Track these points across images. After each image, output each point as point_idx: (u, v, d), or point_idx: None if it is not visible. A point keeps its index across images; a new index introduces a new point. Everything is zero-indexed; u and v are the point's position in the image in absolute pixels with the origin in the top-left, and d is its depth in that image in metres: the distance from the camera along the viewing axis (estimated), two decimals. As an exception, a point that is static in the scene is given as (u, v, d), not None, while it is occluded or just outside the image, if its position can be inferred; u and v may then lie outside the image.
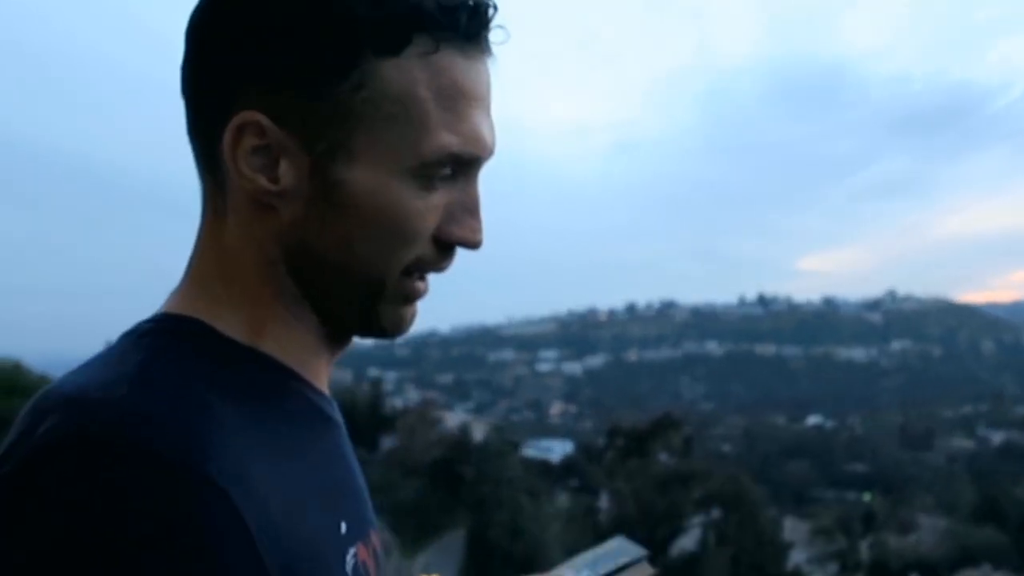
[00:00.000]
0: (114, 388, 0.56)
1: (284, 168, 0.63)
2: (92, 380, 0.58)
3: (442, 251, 0.67)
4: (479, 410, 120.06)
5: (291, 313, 0.68)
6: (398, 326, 0.70)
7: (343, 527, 0.64)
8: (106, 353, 0.62)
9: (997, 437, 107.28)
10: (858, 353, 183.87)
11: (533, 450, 77.76)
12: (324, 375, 0.73)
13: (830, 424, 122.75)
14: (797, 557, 54.42)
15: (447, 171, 0.65)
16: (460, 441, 53.43)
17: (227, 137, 0.62)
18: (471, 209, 0.67)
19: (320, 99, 0.62)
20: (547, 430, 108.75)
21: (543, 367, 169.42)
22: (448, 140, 0.63)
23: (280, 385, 0.67)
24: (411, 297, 0.69)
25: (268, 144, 0.63)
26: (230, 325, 0.65)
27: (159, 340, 0.62)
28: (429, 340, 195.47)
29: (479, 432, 59.01)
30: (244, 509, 0.54)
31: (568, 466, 64.98)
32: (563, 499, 54.66)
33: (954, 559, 54.07)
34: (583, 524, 47.77)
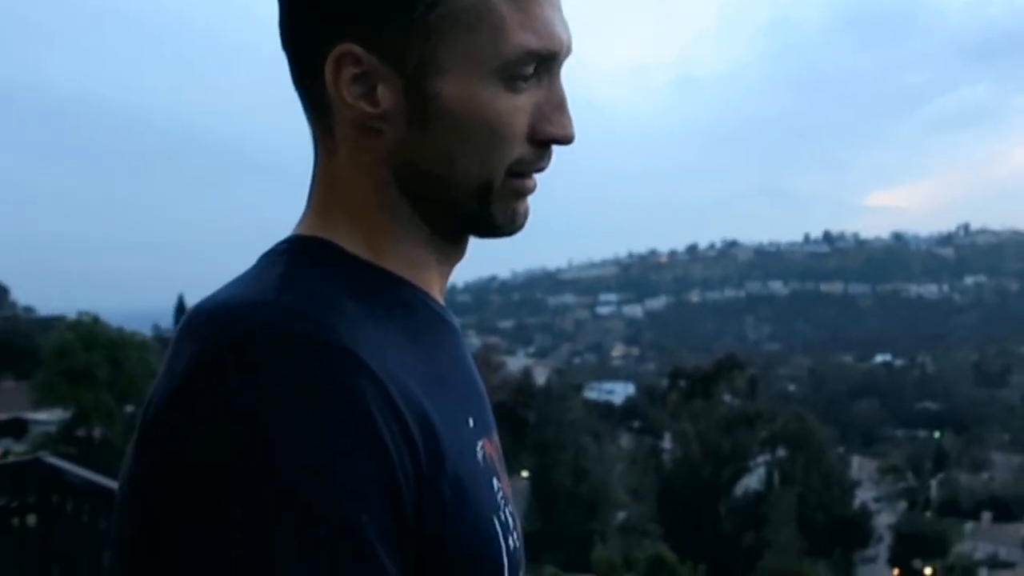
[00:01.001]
0: (263, 294, 0.63)
1: (381, 91, 0.68)
2: (239, 291, 0.64)
3: (539, 149, 0.70)
4: (541, 354, 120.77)
5: (405, 230, 0.72)
6: (513, 221, 0.73)
7: (470, 421, 0.68)
8: (246, 272, 0.69)
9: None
10: (929, 290, 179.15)
11: (595, 393, 78.10)
12: (439, 286, 0.78)
13: (899, 363, 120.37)
14: (864, 496, 53.94)
15: (529, 70, 0.68)
16: (522, 385, 53.92)
17: (328, 71, 0.67)
18: (559, 105, 0.70)
19: (402, 22, 0.66)
20: (609, 373, 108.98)
21: (604, 310, 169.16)
22: (525, 39, 0.67)
23: (403, 293, 0.72)
24: (521, 194, 0.72)
25: (365, 71, 0.67)
26: (352, 245, 0.71)
27: (294, 256, 0.69)
28: (490, 286, 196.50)
29: (541, 376, 59.46)
30: (390, 385, 0.59)
31: (630, 408, 65.20)
32: (626, 441, 54.92)
33: (1029, 497, 53.12)
34: (646, 465, 47.98)
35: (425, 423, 0.61)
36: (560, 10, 0.70)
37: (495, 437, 0.74)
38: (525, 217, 0.74)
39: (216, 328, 0.60)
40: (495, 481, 0.68)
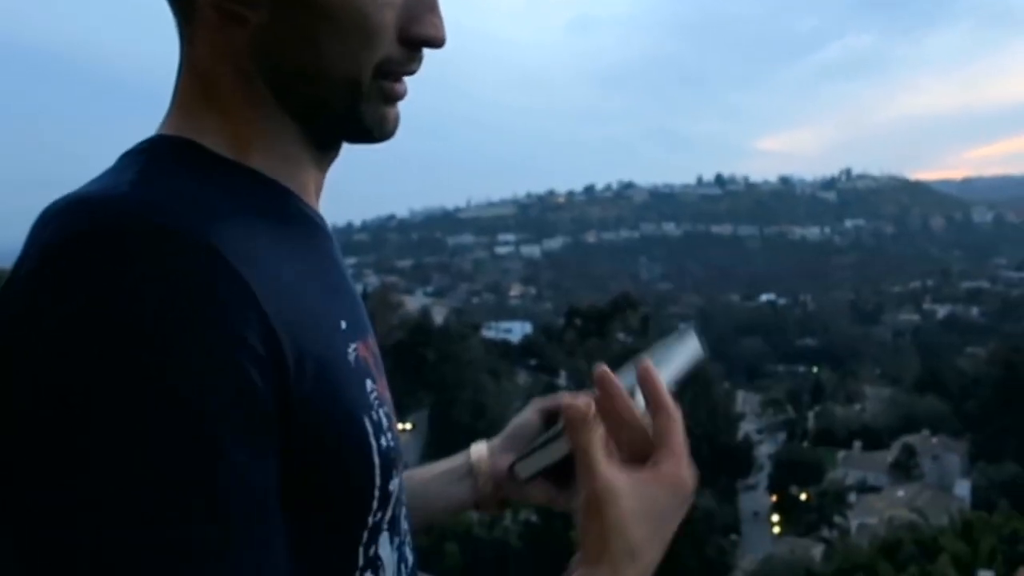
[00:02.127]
0: (117, 188, 0.60)
1: None
2: (94, 186, 0.62)
3: (409, 51, 0.68)
4: (439, 294, 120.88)
5: (273, 126, 0.69)
6: (382, 126, 0.71)
7: (343, 324, 0.67)
8: (106, 171, 0.65)
9: (942, 311, 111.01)
10: (813, 232, 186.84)
11: (493, 332, 79.01)
12: (313, 190, 0.74)
13: (783, 301, 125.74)
14: (748, 427, 56.81)
15: None
16: (421, 324, 54.08)
17: None
18: (430, 5, 0.68)
19: None
20: (507, 312, 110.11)
21: (502, 250, 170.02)
22: None
23: (271, 193, 0.69)
24: (391, 97, 0.70)
25: None
26: (216, 143, 0.67)
27: (154, 155, 0.66)
28: (388, 224, 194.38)
29: (440, 315, 59.77)
30: (251, 280, 0.57)
31: (528, 346, 66.29)
32: (523, 378, 56.00)
33: (896, 426, 56.85)
34: (543, 401, 49.13)
35: (290, 322, 0.59)
36: None
37: (370, 340, 0.72)
38: (395, 124, 0.72)
39: (64, 222, 0.57)
40: (368, 382, 0.67)
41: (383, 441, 0.65)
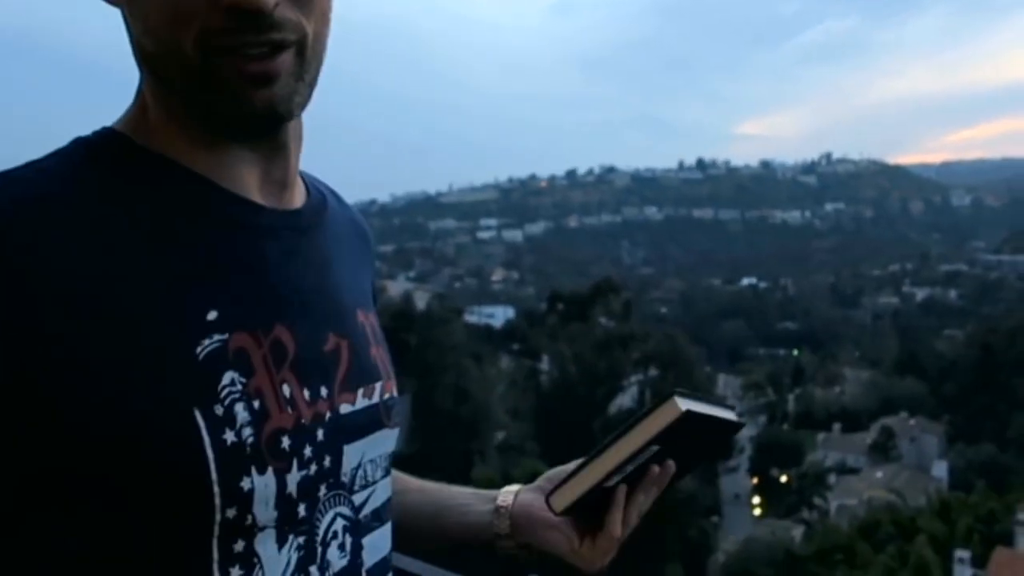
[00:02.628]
0: None
1: None
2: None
3: (230, 17, 0.64)
4: (421, 279, 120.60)
5: (179, 118, 0.69)
6: (241, 108, 0.66)
7: (211, 315, 0.65)
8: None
9: (921, 294, 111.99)
10: (793, 216, 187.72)
11: (476, 316, 78.99)
12: (250, 179, 0.72)
13: (764, 285, 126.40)
14: (729, 411, 57.05)
15: None
16: (403, 309, 53.90)
17: None
18: None
19: None
20: (489, 297, 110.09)
21: (485, 235, 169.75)
22: None
23: (172, 188, 0.68)
24: (244, 75, 0.65)
25: None
26: (148, 136, 0.69)
27: (71, 145, 0.68)
28: (369, 209, 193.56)
29: (422, 300, 59.57)
30: (24, 259, 0.58)
31: (510, 331, 66.29)
32: (506, 363, 56.05)
33: (875, 409, 57.41)
34: (525, 386, 49.21)
35: (83, 305, 0.59)
36: None
37: (286, 332, 0.70)
38: (268, 107, 0.67)
39: None
40: (229, 375, 0.64)
41: (228, 436, 0.63)
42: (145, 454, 0.60)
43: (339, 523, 0.73)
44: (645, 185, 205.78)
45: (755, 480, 47.97)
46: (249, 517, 0.64)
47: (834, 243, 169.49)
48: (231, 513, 0.63)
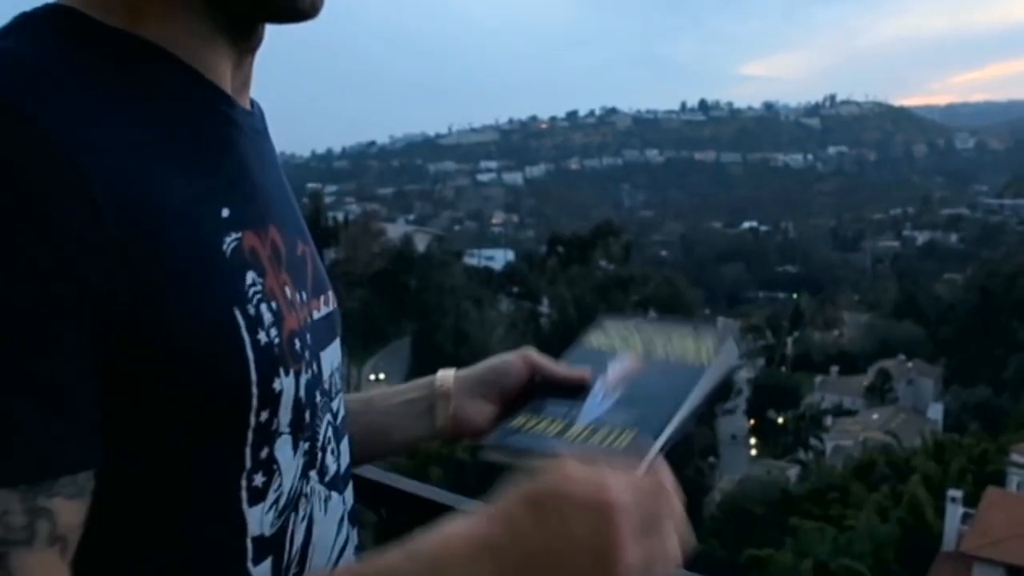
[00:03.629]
0: None
1: None
2: None
3: None
4: (421, 221, 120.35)
5: (165, 2, 0.65)
6: (299, 6, 0.65)
7: (224, 212, 0.63)
8: None
9: (921, 238, 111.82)
10: (795, 159, 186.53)
11: (476, 259, 78.97)
12: (226, 74, 0.69)
13: (764, 228, 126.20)
14: (727, 353, 57.37)
15: None
16: (403, 252, 53.93)
17: None
18: None
19: None
20: (489, 240, 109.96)
21: (484, 177, 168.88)
22: None
23: (156, 68, 0.65)
24: None
25: None
26: (110, 14, 0.63)
27: (31, 21, 0.62)
28: (368, 151, 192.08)
29: (422, 243, 59.53)
30: (77, 158, 0.54)
31: (510, 274, 66.35)
32: (506, 305, 56.27)
33: (873, 352, 57.80)
34: (525, 328, 49.44)
35: (126, 204, 0.55)
36: None
37: (276, 233, 0.69)
38: (314, 3, 0.66)
39: None
40: (251, 275, 0.63)
41: (261, 336, 0.62)
42: (191, 353, 0.58)
43: (330, 429, 0.73)
44: (647, 127, 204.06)
45: (752, 422, 48.51)
46: (275, 421, 0.64)
47: (836, 186, 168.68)
48: (264, 416, 0.62)
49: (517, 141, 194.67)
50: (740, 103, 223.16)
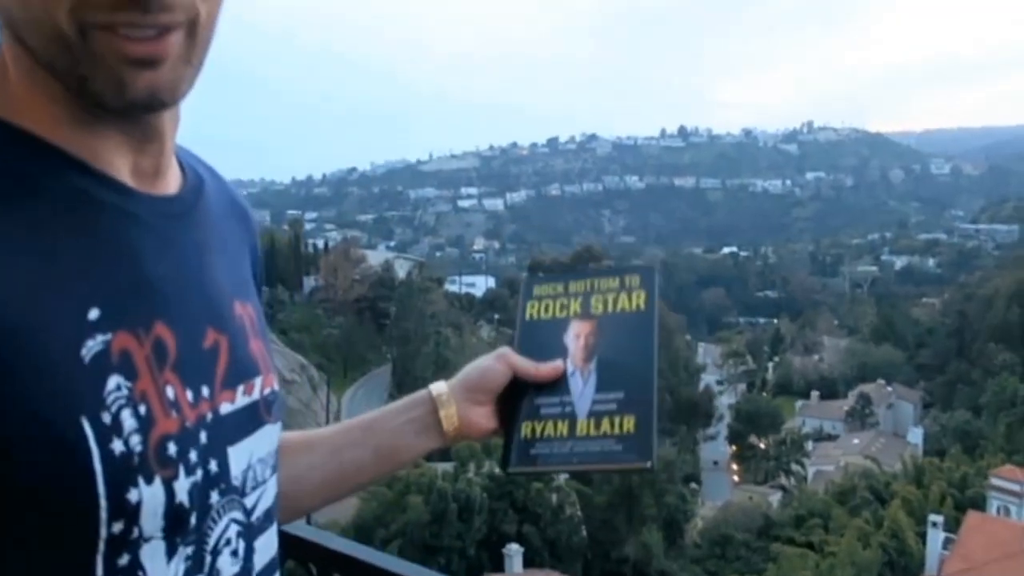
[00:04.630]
0: None
1: None
2: None
3: None
4: (402, 248, 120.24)
5: (45, 89, 0.62)
6: (118, 92, 0.60)
7: (93, 313, 0.59)
8: None
9: (899, 262, 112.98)
10: (774, 184, 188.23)
11: (456, 286, 78.93)
12: (120, 161, 0.66)
13: (744, 254, 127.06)
14: (709, 378, 57.57)
15: None
16: (383, 278, 53.75)
17: None
18: None
19: None
20: (470, 266, 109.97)
21: (465, 203, 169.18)
22: None
23: (32, 165, 0.61)
24: (120, 54, 0.58)
25: None
26: (4, 104, 0.62)
27: None
28: (349, 178, 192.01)
29: (402, 270, 59.37)
30: None
31: (491, 300, 66.33)
32: (487, 332, 56.12)
33: (853, 376, 58.01)
34: (506, 355, 49.29)
35: None
36: None
37: (167, 330, 0.65)
38: (149, 91, 0.60)
39: None
40: (114, 379, 0.59)
41: (116, 445, 0.58)
42: (30, 465, 0.55)
43: (232, 529, 0.70)
44: (627, 153, 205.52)
45: (734, 448, 48.43)
46: (136, 530, 0.60)
47: (814, 211, 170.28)
48: (117, 527, 0.58)
49: (498, 167, 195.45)
50: (719, 129, 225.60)
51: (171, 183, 0.71)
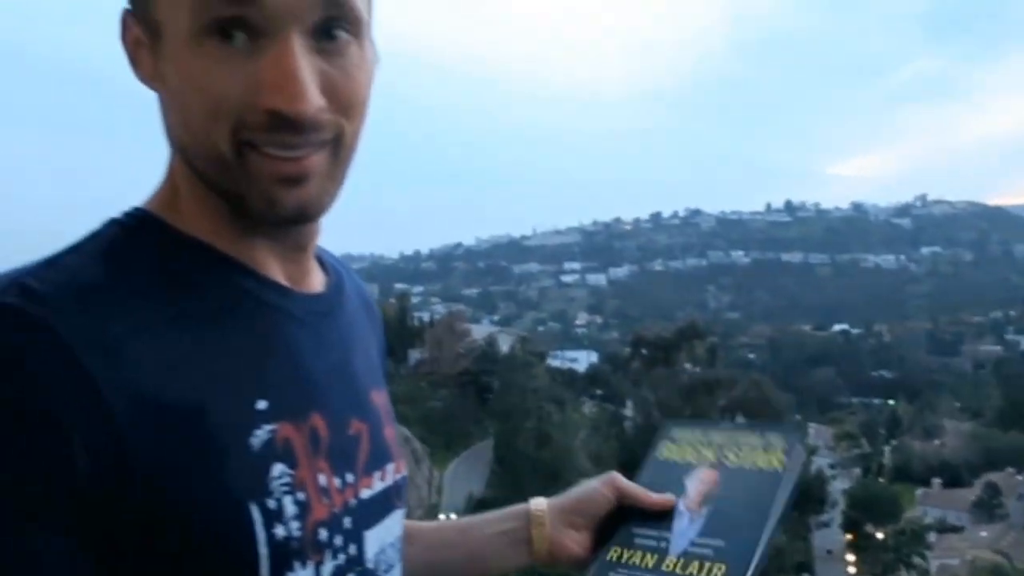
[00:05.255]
0: (30, 266, 0.63)
1: (143, 55, 0.68)
2: (49, 257, 0.65)
3: (269, 120, 0.63)
4: (505, 322, 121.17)
5: (210, 204, 0.69)
6: (272, 207, 0.66)
7: (261, 404, 0.65)
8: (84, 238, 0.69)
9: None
10: (887, 260, 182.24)
11: (559, 360, 78.66)
12: (275, 264, 0.73)
13: (856, 331, 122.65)
14: (820, 462, 55.24)
15: (219, 15, 0.63)
16: (487, 352, 54.11)
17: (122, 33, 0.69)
18: (279, 73, 0.63)
19: None
20: (572, 341, 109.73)
21: (568, 278, 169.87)
22: None
23: (204, 269, 0.69)
24: (273, 174, 0.65)
25: (136, 36, 0.68)
26: (175, 216, 0.70)
27: (108, 228, 0.68)
28: (454, 253, 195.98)
29: (505, 344, 59.66)
30: (89, 360, 0.57)
31: (593, 375, 65.83)
32: (589, 408, 55.51)
33: (978, 463, 54.66)
34: (608, 432, 48.57)
35: (142, 402, 0.59)
36: None
37: (320, 420, 0.71)
38: (298, 208, 0.67)
39: None
40: (278, 467, 0.65)
41: (279, 530, 0.63)
42: (201, 547, 0.60)
43: None
44: (731, 228, 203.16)
45: (849, 536, 46.06)
46: None
47: (931, 288, 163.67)
48: None
49: (600, 242, 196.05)
50: (827, 203, 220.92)
51: (316, 282, 0.78)
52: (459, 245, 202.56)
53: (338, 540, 0.69)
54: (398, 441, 0.85)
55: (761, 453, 0.94)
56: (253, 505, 0.62)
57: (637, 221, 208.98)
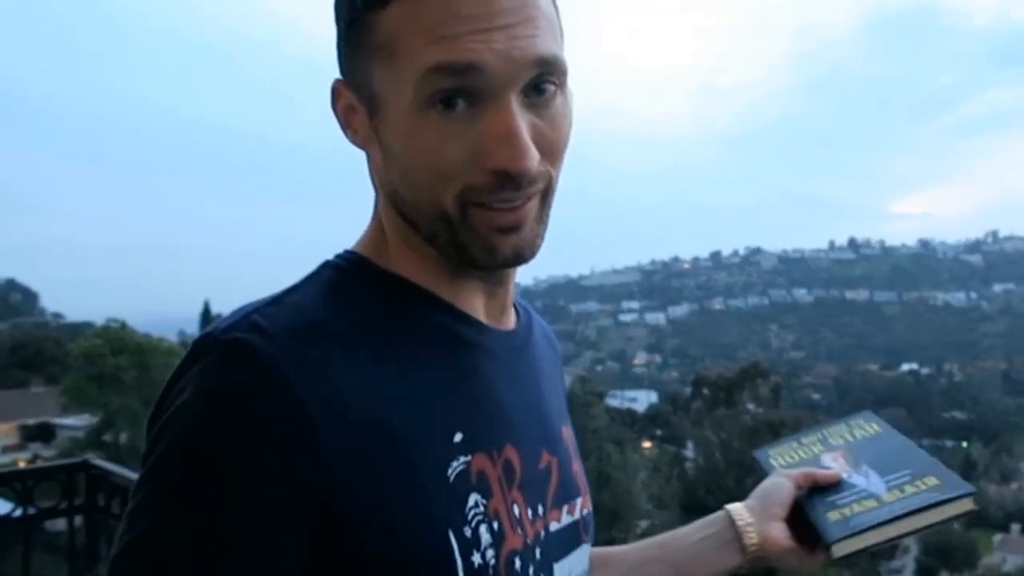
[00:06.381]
0: (264, 302, 0.68)
1: (357, 120, 0.73)
2: (276, 295, 0.71)
3: (494, 179, 0.67)
4: (564, 362, 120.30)
5: (417, 248, 0.74)
6: (490, 255, 0.71)
7: (457, 436, 0.68)
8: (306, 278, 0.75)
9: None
10: (957, 297, 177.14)
11: (618, 400, 77.94)
12: (477, 303, 0.78)
13: (926, 371, 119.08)
14: (891, 506, 53.39)
15: (443, 85, 0.66)
16: (545, 392, 53.90)
17: (333, 103, 0.75)
18: (499, 133, 0.66)
19: (351, 61, 0.72)
20: (632, 381, 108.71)
21: (627, 317, 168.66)
22: (429, 53, 0.65)
23: (405, 306, 0.73)
24: (492, 225, 0.70)
25: (348, 103, 0.73)
26: (380, 256, 0.75)
27: (327, 268, 0.75)
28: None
29: (564, 383, 59.49)
30: (304, 390, 0.62)
31: (653, 416, 64.98)
32: (649, 448, 54.75)
33: (1059, 509, 52.34)
34: (669, 473, 47.78)
35: (354, 436, 0.62)
36: (501, 28, 0.65)
37: (514, 452, 0.74)
38: (515, 253, 0.71)
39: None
40: (474, 497, 0.68)
41: (476, 558, 0.66)
42: (395, 571, 0.63)
43: None
44: (793, 266, 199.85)
45: (923, 583, 44.32)
46: None
47: (1005, 326, 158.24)
48: None
49: (659, 281, 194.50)
50: (892, 240, 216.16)
51: (510, 319, 0.83)
52: (517, 285, 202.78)
53: (530, 570, 0.71)
54: (586, 477, 0.89)
55: (857, 429, 1.01)
56: (451, 533, 0.65)
57: (696, 260, 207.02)
